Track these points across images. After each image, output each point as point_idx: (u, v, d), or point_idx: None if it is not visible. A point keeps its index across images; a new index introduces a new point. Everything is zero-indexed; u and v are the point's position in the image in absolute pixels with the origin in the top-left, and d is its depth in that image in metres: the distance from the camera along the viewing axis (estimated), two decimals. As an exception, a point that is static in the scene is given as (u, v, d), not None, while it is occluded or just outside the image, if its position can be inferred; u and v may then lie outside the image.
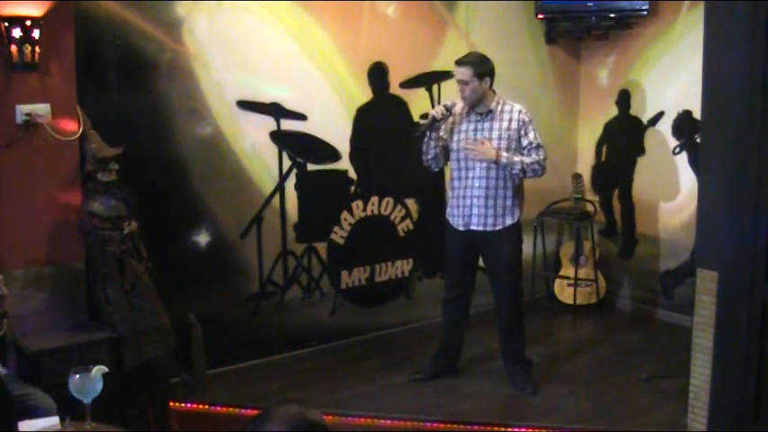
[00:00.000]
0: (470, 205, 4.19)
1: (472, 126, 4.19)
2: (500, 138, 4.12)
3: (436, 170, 4.41)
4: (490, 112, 4.16)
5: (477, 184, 4.16)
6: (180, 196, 4.40)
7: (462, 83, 4.08)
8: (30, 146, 3.65)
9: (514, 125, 4.13)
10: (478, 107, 4.17)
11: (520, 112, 4.15)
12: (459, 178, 4.24)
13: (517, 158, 4.10)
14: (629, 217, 5.78)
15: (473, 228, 4.22)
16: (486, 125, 4.15)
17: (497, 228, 4.19)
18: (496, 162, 4.09)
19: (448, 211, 4.37)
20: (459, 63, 4.11)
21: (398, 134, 5.20)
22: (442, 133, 4.26)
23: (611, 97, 5.79)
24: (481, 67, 4.07)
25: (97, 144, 3.78)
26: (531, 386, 4.34)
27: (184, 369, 4.23)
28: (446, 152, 4.30)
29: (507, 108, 4.17)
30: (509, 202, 4.18)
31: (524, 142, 4.13)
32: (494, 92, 4.18)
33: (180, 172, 4.38)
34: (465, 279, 4.42)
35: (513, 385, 4.38)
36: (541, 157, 4.13)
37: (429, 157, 4.27)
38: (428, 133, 4.19)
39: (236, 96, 4.51)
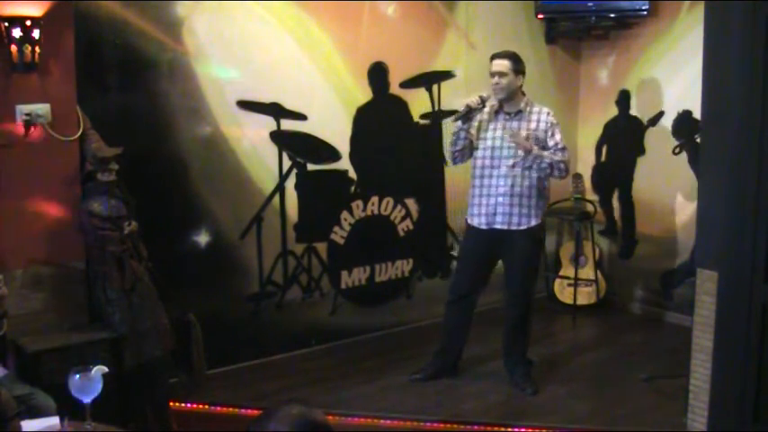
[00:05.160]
0: (495, 204, 4.21)
1: (500, 125, 4.21)
2: (527, 138, 4.15)
3: (459, 164, 4.38)
4: (519, 112, 4.19)
5: (502, 183, 4.19)
6: (180, 196, 4.40)
7: (499, 74, 4.12)
8: (30, 146, 3.65)
9: (542, 126, 4.16)
10: (508, 106, 4.20)
11: (548, 114, 4.19)
12: (483, 176, 4.25)
13: (546, 153, 4.13)
14: (629, 217, 5.78)
15: (497, 227, 4.22)
16: (515, 125, 4.18)
17: (522, 227, 4.20)
18: (529, 152, 4.09)
19: (469, 210, 4.35)
20: (497, 56, 4.17)
21: (398, 134, 5.21)
22: (471, 129, 4.26)
23: (611, 97, 5.79)
24: (518, 63, 4.15)
25: (97, 144, 3.77)
26: (530, 386, 4.34)
27: (184, 369, 4.23)
28: (471, 149, 4.29)
29: (536, 110, 4.21)
30: (533, 202, 4.20)
31: (550, 143, 4.16)
32: (523, 93, 4.21)
33: (180, 172, 4.38)
34: (476, 280, 4.41)
35: (513, 385, 4.39)
36: (566, 159, 4.18)
37: (457, 148, 4.26)
38: (460, 123, 4.19)
39: (236, 96, 4.51)
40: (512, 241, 4.23)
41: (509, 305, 4.41)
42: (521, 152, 4.14)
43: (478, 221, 4.29)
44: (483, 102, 4.14)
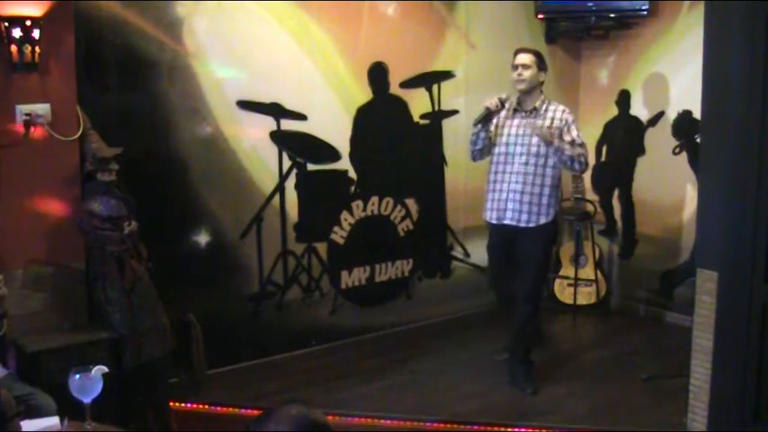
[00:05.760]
0: (506, 199, 4.24)
1: (516, 122, 4.25)
2: (550, 131, 4.16)
3: (478, 162, 4.43)
4: (535, 109, 4.22)
5: (514, 179, 4.21)
6: (180, 196, 4.40)
7: (523, 66, 4.17)
8: (30, 146, 3.65)
9: (557, 123, 4.18)
10: (525, 104, 4.24)
11: (563, 111, 4.22)
12: (497, 172, 4.29)
13: (567, 145, 4.13)
14: (629, 217, 5.78)
15: (506, 222, 4.25)
16: (531, 122, 4.19)
17: (531, 225, 4.22)
18: (551, 143, 4.10)
19: (484, 205, 4.39)
20: (521, 50, 4.24)
21: (398, 134, 5.21)
22: (490, 129, 4.30)
23: (611, 97, 5.79)
24: (542, 59, 4.23)
25: (97, 144, 3.77)
26: (530, 386, 4.34)
27: (184, 369, 4.23)
28: (491, 146, 4.33)
29: (552, 107, 4.24)
30: (545, 200, 4.21)
31: (567, 138, 4.16)
32: (541, 91, 4.26)
33: (180, 172, 4.38)
34: (501, 273, 4.46)
35: (513, 384, 4.39)
36: (586, 153, 4.20)
37: (476, 147, 4.31)
38: (480, 125, 4.23)
39: (236, 96, 4.51)
40: (522, 239, 4.25)
41: (518, 303, 4.42)
42: (536, 144, 4.15)
43: (490, 216, 4.34)
44: (502, 103, 4.19)
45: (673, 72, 5.36)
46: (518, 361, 4.43)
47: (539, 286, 4.43)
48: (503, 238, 4.32)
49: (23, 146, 3.63)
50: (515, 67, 4.20)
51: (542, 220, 4.22)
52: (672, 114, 5.40)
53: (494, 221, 4.31)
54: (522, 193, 4.19)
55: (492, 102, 4.16)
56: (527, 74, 4.16)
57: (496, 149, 4.29)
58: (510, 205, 4.22)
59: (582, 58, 5.98)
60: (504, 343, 4.66)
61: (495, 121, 4.29)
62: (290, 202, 4.82)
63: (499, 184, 4.27)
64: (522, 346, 4.43)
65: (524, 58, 4.19)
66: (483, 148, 4.31)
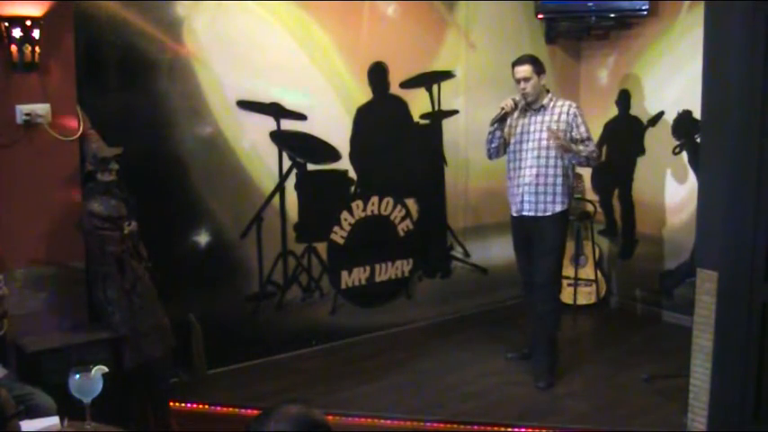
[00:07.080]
0: (522, 192, 4.41)
1: (526, 120, 4.41)
2: (557, 132, 4.30)
3: (495, 159, 4.60)
4: (542, 107, 4.37)
5: (527, 173, 4.38)
6: (180, 196, 4.40)
7: (524, 80, 4.32)
8: (30, 146, 3.64)
9: (564, 117, 4.34)
10: (534, 103, 4.39)
11: (570, 106, 4.37)
12: (514, 168, 4.48)
13: (581, 146, 4.31)
14: (629, 217, 5.78)
15: (524, 213, 4.42)
16: (539, 119, 4.37)
17: (547, 213, 4.37)
18: (569, 150, 4.25)
19: (508, 198, 4.55)
20: (518, 62, 4.37)
21: (398, 134, 5.21)
22: (505, 128, 4.47)
23: (611, 97, 5.80)
24: (538, 65, 4.36)
25: (97, 144, 3.77)
26: (543, 381, 4.41)
27: (184, 369, 4.23)
28: (505, 145, 4.50)
29: (559, 103, 4.39)
30: (558, 190, 4.36)
31: (575, 133, 4.33)
32: (547, 90, 4.41)
33: (180, 172, 4.38)
34: (527, 264, 4.54)
35: (533, 371, 4.47)
36: (593, 149, 4.35)
37: (493, 146, 4.52)
38: (497, 125, 4.42)
39: (236, 96, 4.51)
40: (537, 227, 4.41)
41: (535, 291, 4.49)
42: (545, 139, 4.29)
43: (512, 209, 4.52)
44: (516, 104, 4.36)
45: (673, 72, 5.35)
46: (541, 352, 4.49)
47: (556, 272, 4.50)
48: (523, 228, 4.48)
49: (23, 146, 3.63)
50: (518, 81, 4.34)
51: (558, 209, 4.37)
52: (672, 114, 5.40)
53: (514, 214, 4.50)
54: (537, 184, 4.36)
55: (507, 103, 4.35)
56: (530, 86, 4.32)
57: (510, 147, 4.47)
58: (526, 197, 4.40)
59: (582, 58, 5.98)
60: (507, 343, 4.70)
61: (508, 120, 4.43)
62: (290, 202, 4.82)
63: (515, 179, 4.46)
64: (545, 335, 4.49)
65: (523, 71, 4.33)
66: (498, 147, 4.50)
